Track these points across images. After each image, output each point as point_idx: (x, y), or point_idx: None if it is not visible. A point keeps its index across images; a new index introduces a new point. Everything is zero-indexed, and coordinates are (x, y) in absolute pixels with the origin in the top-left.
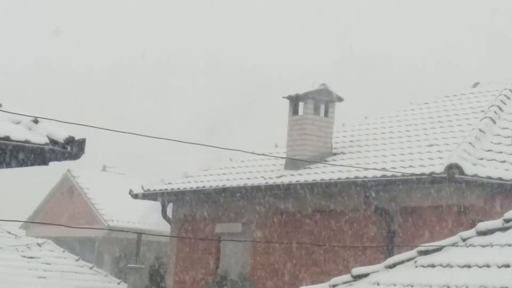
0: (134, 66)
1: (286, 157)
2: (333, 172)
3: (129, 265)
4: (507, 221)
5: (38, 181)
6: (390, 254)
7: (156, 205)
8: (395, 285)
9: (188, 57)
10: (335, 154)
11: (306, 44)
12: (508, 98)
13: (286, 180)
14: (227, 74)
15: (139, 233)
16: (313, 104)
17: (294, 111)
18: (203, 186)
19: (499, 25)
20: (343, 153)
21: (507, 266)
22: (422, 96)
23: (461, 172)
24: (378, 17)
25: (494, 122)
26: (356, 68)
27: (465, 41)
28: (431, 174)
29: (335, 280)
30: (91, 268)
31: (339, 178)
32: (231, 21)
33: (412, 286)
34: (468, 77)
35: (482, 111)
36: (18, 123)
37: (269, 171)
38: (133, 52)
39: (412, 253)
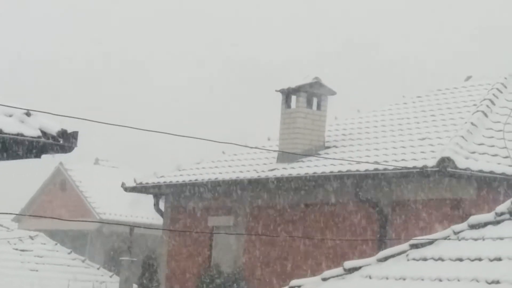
0: (124, 58)
1: (278, 150)
2: (325, 165)
3: (121, 258)
4: (499, 214)
5: (30, 174)
6: (382, 247)
7: (143, 197)
8: (387, 278)
9: (184, 51)
10: (327, 147)
11: (300, 36)
12: (500, 91)
13: (278, 173)
14: (221, 66)
15: (132, 226)
16: (305, 98)
17: (287, 104)
18: (196, 180)
19: (492, 20)
20: (335, 146)
21: (499, 259)
22: (416, 89)
23: (453, 165)
24: (375, 10)
25: (486, 116)
26: (351, 60)
27: (460, 35)
28: (423, 167)
29: (327, 273)
30: (83, 261)
31: (331, 172)
32: (226, 13)
33: (404, 279)
34: (461, 71)
35: (474, 104)
36: (10, 116)
37: (261, 164)
38: (125, 45)
39: (404, 246)
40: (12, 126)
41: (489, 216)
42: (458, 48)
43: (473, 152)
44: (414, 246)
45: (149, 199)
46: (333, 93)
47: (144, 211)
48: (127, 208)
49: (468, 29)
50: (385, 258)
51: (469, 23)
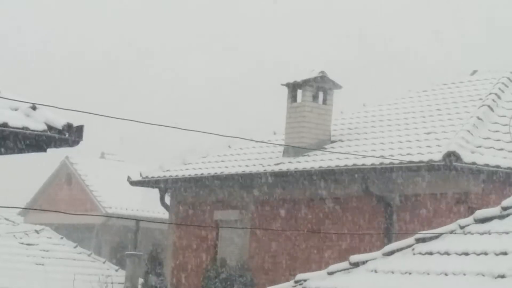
0: (130, 51)
1: (284, 145)
2: (331, 159)
3: (127, 252)
4: (504, 208)
5: (36, 168)
6: (388, 241)
7: (149, 191)
8: (393, 272)
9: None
10: (333, 141)
11: (306, 30)
12: (506, 86)
13: (284, 167)
14: (227, 60)
15: (137, 219)
16: (311, 92)
17: (293, 98)
18: (202, 174)
19: (501, 13)
20: (341, 140)
21: (505, 253)
22: (422, 83)
23: (459, 159)
24: (383, 5)
25: (492, 110)
26: (357, 54)
27: (468, 28)
28: (429, 161)
29: (332, 267)
30: (89, 255)
31: (337, 166)
32: (232, 7)
33: (410, 274)
34: (469, 65)
35: (480, 99)
36: (16, 109)
37: (267, 158)
38: (131, 38)
39: (410, 240)
40: (17, 120)
41: (495, 210)
42: (466, 41)
43: (479, 146)
44: (420, 240)
45: (156, 193)
46: (339, 87)
47: (150, 205)
48: (133, 202)
49: (476, 22)
50: (391, 252)
51: (477, 15)
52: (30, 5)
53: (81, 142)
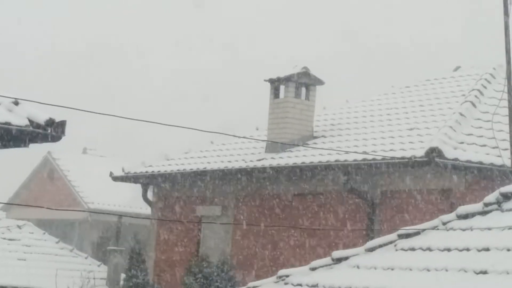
0: (112, 46)
1: (267, 140)
2: (314, 155)
3: (109, 248)
4: (487, 205)
5: (18, 163)
6: (370, 237)
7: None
8: (375, 268)
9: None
10: (316, 137)
11: (293, 26)
12: (489, 82)
13: (266, 163)
14: (208, 55)
15: (120, 215)
16: (294, 87)
17: (275, 94)
18: (184, 169)
19: (482, 10)
20: (324, 136)
21: (487, 249)
22: (405, 79)
23: (442, 156)
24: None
25: (475, 106)
26: (340, 50)
27: (451, 25)
28: (411, 157)
29: (315, 263)
30: (71, 251)
31: (320, 162)
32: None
33: (392, 270)
34: (451, 61)
35: (463, 95)
36: None
37: (249, 154)
38: (113, 33)
39: (393, 236)
40: None
41: (477, 207)
42: (449, 37)
43: (462, 143)
44: (403, 236)
45: (138, 188)
46: (321, 83)
47: (138, 201)
48: (116, 198)
49: (460, 19)
50: (374, 248)
51: (462, 12)
52: (24, 3)
53: (63, 138)
